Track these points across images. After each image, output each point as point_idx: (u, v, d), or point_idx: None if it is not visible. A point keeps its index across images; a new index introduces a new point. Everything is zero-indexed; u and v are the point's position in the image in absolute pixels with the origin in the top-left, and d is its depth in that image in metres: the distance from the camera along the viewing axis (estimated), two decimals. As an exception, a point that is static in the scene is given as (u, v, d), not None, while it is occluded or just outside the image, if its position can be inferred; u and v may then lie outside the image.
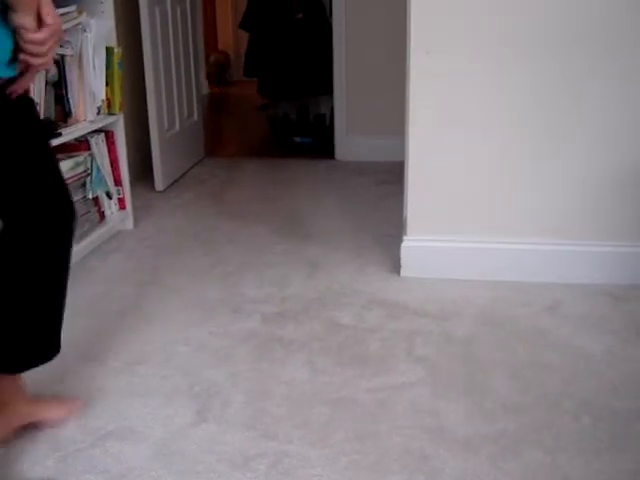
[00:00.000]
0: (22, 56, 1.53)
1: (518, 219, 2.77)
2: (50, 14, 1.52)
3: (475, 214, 2.79)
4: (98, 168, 3.19)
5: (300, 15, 5.59)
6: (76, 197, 3.05)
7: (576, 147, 2.68)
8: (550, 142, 2.68)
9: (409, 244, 2.84)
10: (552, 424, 1.91)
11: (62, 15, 2.91)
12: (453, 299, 2.65)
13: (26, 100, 1.72)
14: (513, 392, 2.06)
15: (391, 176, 3.97)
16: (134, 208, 3.53)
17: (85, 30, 3.07)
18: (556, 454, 1.79)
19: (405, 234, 2.85)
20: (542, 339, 2.36)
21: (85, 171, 3.10)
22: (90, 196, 3.15)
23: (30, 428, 1.87)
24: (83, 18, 3.05)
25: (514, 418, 1.94)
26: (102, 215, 3.31)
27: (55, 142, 2.84)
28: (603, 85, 2.60)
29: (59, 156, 2.93)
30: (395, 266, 2.89)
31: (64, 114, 3.06)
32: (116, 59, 3.24)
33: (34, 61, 1.55)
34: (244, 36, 6.34)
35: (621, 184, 2.69)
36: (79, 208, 3.06)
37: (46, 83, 2.91)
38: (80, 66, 3.07)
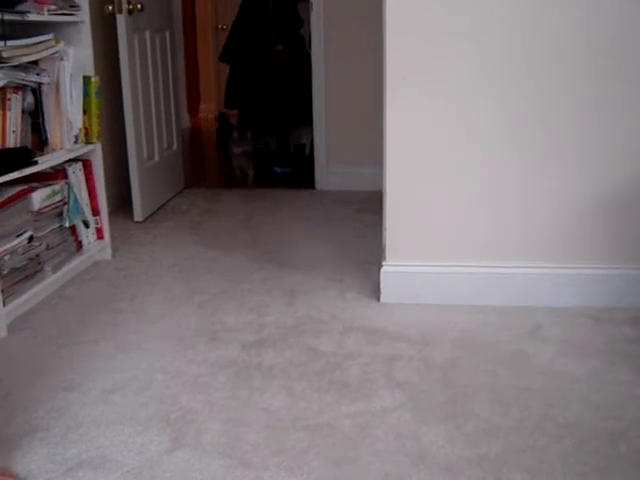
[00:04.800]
0: None
1: (497, 243, 2.76)
2: None
3: (454, 239, 2.78)
4: (75, 197, 3.16)
5: (280, 47, 5.62)
6: (53, 226, 3.01)
7: (555, 172, 2.68)
8: (528, 168, 2.68)
9: (388, 270, 2.82)
10: (535, 447, 1.88)
11: (39, 43, 2.91)
12: (433, 324, 2.62)
13: None
14: (495, 416, 2.02)
15: (372, 205, 3.96)
16: (112, 238, 3.50)
17: (62, 58, 3.06)
18: (540, 477, 1.75)
19: (384, 260, 2.83)
20: (524, 363, 2.33)
21: (62, 200, 3.07)
22: (67, 225, 3.11)
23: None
24: (60, 47, 3.04)
25: (496, 442, 1.90)
26: (79, 245, 3.27)
27: (31, 170, 2.82)
28: (581, 110, 2.61)
29: (35, 184, 2.91)
30: (375, 292, 2.87)
31: (41, 142, 3.03)
32: (93, 88, 3.22)
33: None
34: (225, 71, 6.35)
35: (600, 208, 2.68)
36: (55, 237, 3.03)
37: (23, 111, 2.88)
38: (57, 94, 3.05)
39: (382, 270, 2.82)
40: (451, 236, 2.78)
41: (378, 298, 2.84)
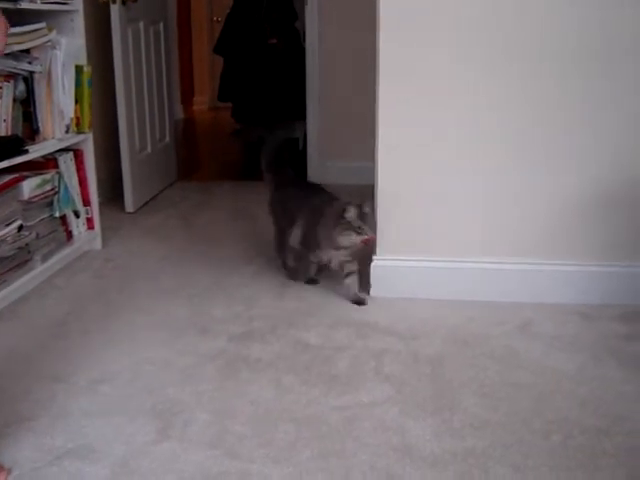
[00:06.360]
0: None
1: (488, 239, 2.76)
2: None
3: (445, 234, 2.78)
4: (66, 187, 3.15)
5: (274, 40, 5.62)
6: (43, 215, 3.00)
7: (546, 169, 2.68)
8: (520, 165, 2.68)
9: (379, 264, 2.82)
10: (522, 442, 1.88)
11: (32, 32, 2.89)
12: (423, 318, 2.63)
13: None
14: (482, 410, 2.02)
15: (364, 199, 3.94)
16: (103, 229, 3.49)
17: (55, 47, 3.04)
18: (526, 472, 1.76)
19: (375, 254, 2.83)
20: (513, 358, 2.33)
21: (52, 189, 3.06)
22: (57, 214, 3.10)
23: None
24: (53, 35, 3.03)
25: (483, 436, 1.90)
26: (70, 234, 3.26)
27: (22, 159, 2.81)
28: (571, 107, 2.62)
29: (26, 173, 2.89)
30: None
31: (32, 131, 3.02)
32: (86, 77, 3.21)
33: None
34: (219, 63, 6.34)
35: (591, 205, 2.69)
36: (45, 227, 3.02)
37: (14, 100, 2.87)
38: (49, 83, 3.04)
39: (372, 264, 2.82)
40: (442, 231, 2.77)
41: (368, 292, 2.84)
